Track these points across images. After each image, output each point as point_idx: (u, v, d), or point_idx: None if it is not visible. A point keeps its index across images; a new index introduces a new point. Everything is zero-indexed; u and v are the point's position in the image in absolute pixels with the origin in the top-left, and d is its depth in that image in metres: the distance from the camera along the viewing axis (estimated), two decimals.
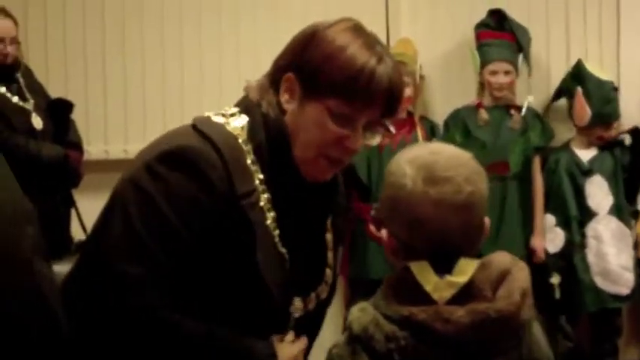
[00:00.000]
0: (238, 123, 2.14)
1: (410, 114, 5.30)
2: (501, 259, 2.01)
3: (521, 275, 1.98)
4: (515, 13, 5.46)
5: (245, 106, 2.18)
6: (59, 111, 4.89)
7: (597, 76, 5.44)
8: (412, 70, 5.29)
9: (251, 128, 2.13)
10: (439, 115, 5.55)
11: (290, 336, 2.23)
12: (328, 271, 2.33)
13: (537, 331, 2.03)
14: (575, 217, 5.34)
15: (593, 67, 5.48)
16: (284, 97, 2.13)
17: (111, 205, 2.09)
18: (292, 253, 2.17)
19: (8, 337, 1.59)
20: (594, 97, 5.38)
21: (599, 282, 5.26)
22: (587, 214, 5.34)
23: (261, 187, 2.11)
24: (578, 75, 5.47)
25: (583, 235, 5.33)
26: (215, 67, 5.43)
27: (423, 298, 1.92)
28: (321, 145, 2.09)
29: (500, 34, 5.41)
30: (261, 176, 2.11)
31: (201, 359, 2.09)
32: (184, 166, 2.02)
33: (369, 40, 2.08)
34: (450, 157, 1.99)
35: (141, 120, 5.49)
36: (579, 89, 5.42)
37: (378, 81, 2.04)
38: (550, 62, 5.68)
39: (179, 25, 5.54)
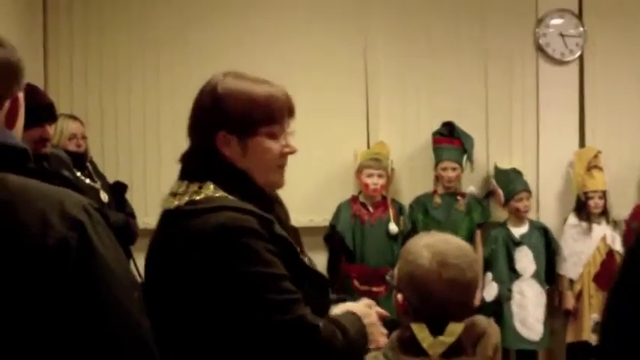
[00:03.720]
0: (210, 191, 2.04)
1: (384, 197, 5.37)
2: (480, 321, 2.07)
3: (494, 333, 2.07)
4: (462, 123, 5.56)
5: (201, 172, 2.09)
6: (119, 190, 4.93)
7: (502, 168, 5.66)
8: (386, 164, 5.37)
9: (215, 181, 2.05)
10: (406, 198, 5.62)
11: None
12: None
13: None
14: (506, 277, 5.43)
15: (501, 164, 5.68)
16: (226, 152, 2.05)
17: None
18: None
19: None
20: (501, 182, 5.58)
21: (519, 327, 5.35)
22: (515, 275, 5.44)
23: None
24: (495, 172, 5.67)
25: (510, 290, 5.41)
26: None
27: (421, 352, 1.99)
28: (275, 161, 2.08)
29: (450, 140, 5.51)
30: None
31: (349, 342, 2.01)
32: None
33: (254, 78, 2.11)
34: (457, 247, 2.06)
35: None
36: (493, 181, 5.64)
37: (280, 98, 2.08)
38: (488, 161, 5.77)
39: None
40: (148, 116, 5.56)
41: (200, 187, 2.05)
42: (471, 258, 2.06)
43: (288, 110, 2.11)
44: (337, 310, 2.13)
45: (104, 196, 4.78)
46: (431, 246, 2.04)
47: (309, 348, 1.94)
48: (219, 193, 2.02)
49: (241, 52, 5.49)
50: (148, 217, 5.34)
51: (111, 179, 4.93)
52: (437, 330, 2.01)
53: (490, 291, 5.38)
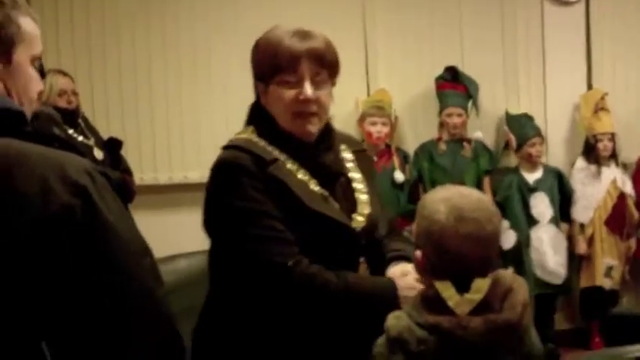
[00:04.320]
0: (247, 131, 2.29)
1: (388, 146, 5.25)
2: (506, 277, 1.97)
3: (521, 290, 1.96)
4: (466, 69, 5.43)
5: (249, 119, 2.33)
6: (113, 146, 4.81)
7: (514, 114, 5.54)
8: (388, 112, 5.24)
9: (253, 125, 2.28)
10: (410, 146, 5.51)
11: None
12: (361, 197, 2.32)
13: (533, 333, 2.00)
14: (523, 223, 5.33)
15: (512, 109, 5.57)
16: (262, 99, 2.26)
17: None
18: (329, 189, 2.23)
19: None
20: (513, 128, 5.45)
21: (539, 273, 5.29)
22: (532, 221, 5.34)
23: (282, 157, 2.19)
24: (506, 119, 5.55)
25: (528, 237, 5.31)
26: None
27: (446, 309, 1.88)
28: (288, 108, 2.18)
29: (454, 85, 5.38)
30: (277, 152, 2.20)
31: (342, 296, 2.12)
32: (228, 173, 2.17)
33: (295, 29, 2.20)
34: (475, 200, 1.95)
35: (180, 153, 5.38)
36: (506, 127, 5.50)
37: (286, 50, 2.16)
38: (493, 106, 5.63)
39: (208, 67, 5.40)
40: (139, 70, 5.38)
41: (244, 130, 2.29)
42: (489, 211, 1.94)
43: (309, 60, 2.17)
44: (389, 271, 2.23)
45: (98, 154, 4.68)
46: (447, 200, 1.93)
47: (275, 284, 2.10)
48: (246, 135, 2.25)
49: (234, 7, 5.35)
50: (143, 173, 5.24)
51: (104, 136, 4.80)
52: (462, 287, 1.90)
53: (508, 238, 5.27)
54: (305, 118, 2.20)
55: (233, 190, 2.13)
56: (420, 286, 2.10)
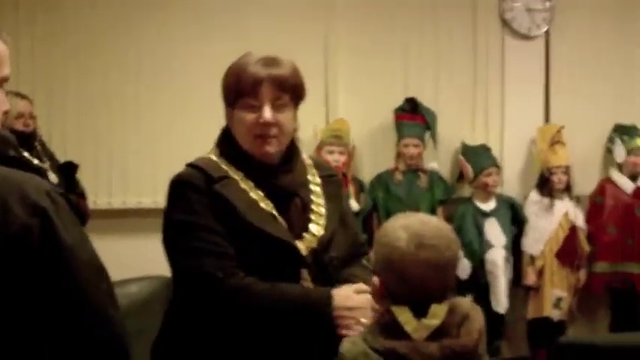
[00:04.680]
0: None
1: (344, 175, 5.25)
2: (463, 304, 2.00)
3: (478, 317, 1.98)
4: (426, 100, 5.48)
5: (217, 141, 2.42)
6: (69, 170, 4.78)
7: (470, 145, 5.60)
8: (346, 141, 5.27)
9: (217, 146, 2.38)
10: (367, 176, 5.54)
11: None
12: (317, 220, 2.36)
13: None
14: (478, 248, 5.36)
15: (469, 140, 5.63)
16: (228, 122, 2.37)
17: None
18: (282, 210, 2.30)
19: None
20: (470, 158, 5.49)
21: (491, 301, 5.31)
22: (486, 245, 5.37)
23: (238, 176, 2.29)
24: (462, 149, 5.58)
25: (483, 261, 5.35)
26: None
27: (402, 335, 1.90)
28: (249, 130, 2.27)
29: (412, 116, 5.42)
30: (232, 170, 2.29)
31: (274, 308, 2.19)
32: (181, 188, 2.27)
33: (253, 56, 2.31)
34: (434, 227, 1.97)
35: (135, 179, 5.36)
36: (461, 157, 5.54)
37: (249, 75, 2.25)
38: (447, 135, 5.66)
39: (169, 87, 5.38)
40: (98, 95, 5.36)
41: (209, 151, 2.39)
42: (448, 237, 1.97)
43: (270, 85, 2.26)
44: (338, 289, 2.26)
45: (53, 177, 4.63)
46: (407, 227, 1.95)
47: (206, 296, 2.19)
48: (208, 155, 2.36)
49: (197, 35, 5.38)
50: (97, 197, 5.21)
51: (60, 159, 4.77)
52: (419, 313, 1.92)
53: (463, 268, 5.29)
54: (264, 139, 2.27)
55: (178, 204, 2.24)
56: (360, 299, 2.18)
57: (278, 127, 2.26)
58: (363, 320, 2.15)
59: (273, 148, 2.29)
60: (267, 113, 2.23)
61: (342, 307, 2.19)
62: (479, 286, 5.29)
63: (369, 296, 2.18)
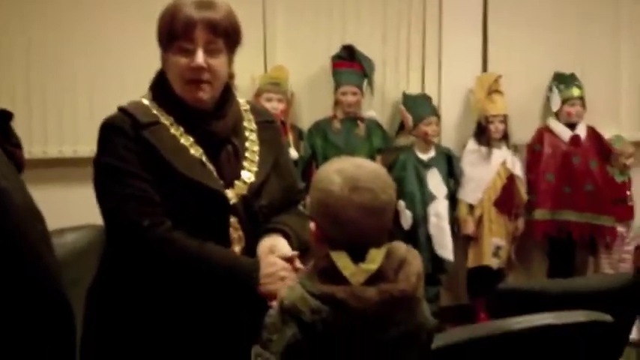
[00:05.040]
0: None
1: (283, 122, 5.19)
2: (400, 248, 1.99)
3: (415, 262, 1.99)
4: (364, 49, 5.42)
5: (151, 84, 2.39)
6: (2, 119, 4.65)
7: (410, 94, 5.57)
8: (284, 89, 5.20)
9: (150, 90, 2.36)
10: (306, 123, 5.49)
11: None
12: (249, 166, 2.35)
13: (425, 305, 2.03)
14: (420, 200, 5.37)
15: (404, 88, 5.61)
16: (163, 65, 2.32)
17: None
18: (213, 156, 2.28)
19: (21, 322, 1.48)
20: (410, 107, 5.47)
21: (438, 249, 5.34)
22: (429, 198, 5.39)
23: (169, 121, 2.27)
24: (403, 98, 5.56)
25: (426, 214, 5.37)
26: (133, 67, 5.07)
27: (341, 279, 1.89)
28: (181, 75, 2.23)
29: (350, 64, 5.37)
30: (164, 116, 2.27)
31: (199, 268, 2.18)
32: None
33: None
34: (370, 171, 1.96)
35: (71, 127, 5.21)
36: (402, 106, 5.51)
37: (182, 18, 2.20)
38: (386, 85, 5.65)
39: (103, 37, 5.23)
40: (30, 41, 5.17)
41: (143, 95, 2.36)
42: (384, 181, 1.96)
43: (204, 29, 2.21)
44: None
45: None
46: (342, 171, 1.94)
47: (129, 242, 2.19)
48: (140, 99, 2.34)
49: None
50: (32, 147, 5.09)
51: None
52: (357, 257, 1.91)
53: (405, 218, 5.30)
54: (196, 85, 2.25)
55: (106, 149, 2.23)
56: (284, 265, 2.20)
57: (211, 72, 2.24)
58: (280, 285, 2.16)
59: (205, 94, 2.26)
60: (200, 58, 2.20)
61: (267, 275, 2.20)
62: (421, 236, 5.32)
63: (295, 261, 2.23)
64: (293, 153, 5.12)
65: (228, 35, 2.26)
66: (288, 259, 2.24)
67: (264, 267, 2.20)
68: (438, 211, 5.38)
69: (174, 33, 2.22)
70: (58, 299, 1.52)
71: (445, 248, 5.37)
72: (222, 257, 2.21)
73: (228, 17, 2.26)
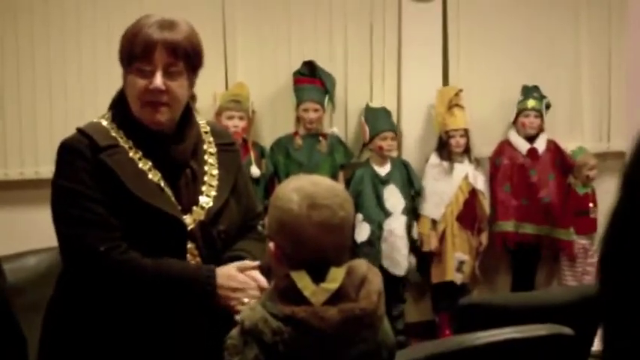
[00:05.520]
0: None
1: (244, 140, 5.19)
2: (361, 266, 1.98)
3: (376, 280, 1.98)
4: (323, 64, 5.44)
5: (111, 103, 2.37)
6: None
7: (372, 107, 5.56)
8: (246, 106, 5.19)
9: (110, 110, 2.33)
10: (267, 140, 5.48)
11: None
12: (208, 191, 2.34)
13: (387, 323, 2.03)
14: (376, 215, 5.36)
15: (363, 103, 5.61)
16: (123, 84, 2.29)
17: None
18: (172, 181, 2.27)
19: None
20: (369, 120, 5.47)
21: (386, 264, 5.30)
22: (385, 213, 5.38)
23: (128, 144, 2.24)
24: (365, 112, 5.56)
25: (382, 229, 5.36)
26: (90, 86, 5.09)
27: (302, 299, 1.87)
28: (139, 97, 2.21)
29: (311, 80, 5.37)
30: (123, 138, 2.25)
31: (156, 284, 2.17)
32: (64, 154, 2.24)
33: (151, 18, 2.24)
34: (327, 188, 1.96)
35: (32, 148, 5.15)
36: (362, 119, 5.52)
37: (142, 39, 2.19)
38: (348, 101, 5.66)
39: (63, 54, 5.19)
40: None
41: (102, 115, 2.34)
42: (341, 197, 1.95)
43: (164, 51, 2.19)
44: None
45: None
46: (299, 189, 1.93)
47: (87, 268, 2.18)
48: (98, 119, 2.30)
49: None
50: None
51: None
52: (317, 276, 1.90)
53: (362, 232, 5.30)
54: (154, 107, 2.22)
55: (63, 171, 2.22)
56: (243, 278, 2.21)
57: (169, 94, 2.21)
58: (246, 300, 2.16)
59: (163, 117, 2.24)
60: (158, 80, 2.18)
61: (224, 287, 2.21)
62: (375, 253, 5.31)
63: (255, 273, 2.24)
64: (255, 170, 5.12)
65: (188, 57, 2.24)
66: (250, 273, 2.26)
67: (224, 280, 2.21)
68: (393, 227, 5.37)
69: (133, 54, 2.20)
70: (9, 325, 1.50)
71: (397, 265, 5.37)
72: (177, 266, 2.21)
73: (189, 39, 2.24)
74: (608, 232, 1.33)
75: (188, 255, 2.25)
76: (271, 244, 1.98)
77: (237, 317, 1.92)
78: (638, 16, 5.50)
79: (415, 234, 5.51)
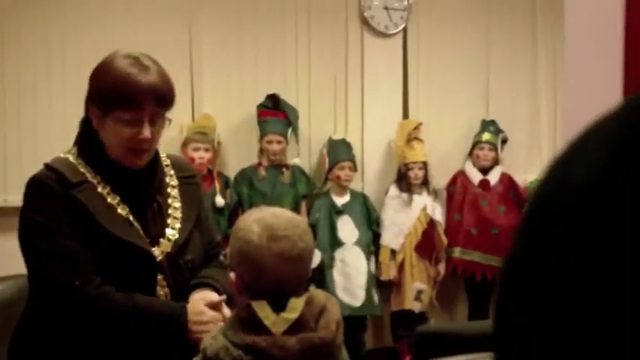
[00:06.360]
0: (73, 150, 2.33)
1: (210, 171, 5.24)
2: (320, 296, 2.03)
3: (335, 309, 2.03)
4: (288, 96, 5.51)
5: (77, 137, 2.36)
6: None
7: (334, 139, 5.65)
8: (212, 138, 5.24)
9: (75, 146, 2.32)
10: (231, 171, 5.52)
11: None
12: (173, 223, 2.37)
13: (344, 352, 2.07)
14: (328, 245, 5.41)
15: (336, 135, 5.69)
16: (94, 123, 2.25)
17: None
18: (139, 214, 2.29)
19: None
20: (329, 151, 5.57)
21: (341, 295, 5.31)
22: (337, 243, 5.43)
23: (96, 180, 2.25)
24: (327, 143, 5.65)
25: (332, 258, 5.40)
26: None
27: (262, 329, 1.92)
28: (124, 144, 2.21)
29: (275, 113, 5.44)
30: (91, 174, 2.26)
31: (128, 318, 2.19)
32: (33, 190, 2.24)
33: (135, 60, 2.20)
34: (287, 219, 2.00)
35: (1, 176, 5.16)
36: (324, 150, 5.61)
37: (140, 85, 2.16)
38: (312, 133, 5.73)
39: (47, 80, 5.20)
40: None
41: (69, 150, 2.33)
42: (301, 229, 2.00)
43: (155, 100, 2.18)
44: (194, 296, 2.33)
45: None
46: (260, 220, 1.98)
47: (60, 303, 2.19)
48: (65, 155, 2.30)
49: (57, 27, 5.20)
50: None
51: None
52: (277, 306, 1.95)
53: (314, 258, 5.31)
54: (137, 153, 2.25)
55: (33, 205, 2.22)
56: (212, 313, 2.25)
57: (152, 140, 2.24)
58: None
59: (144, 161, 2.29)
60: (147, 131, 2.19)
61: (195, 322, 2.25)
62: (324, 281, 5.33)
63: (224, 308, 2.29)
64: (220, 200, 5.15)
65: (169, 104, 2.27)
66: (216, 307, 2.29)
67: (193, 315, 2.25)
68: (344, 256, 5.41)
69: (118, 103, 2.17)
70: None
71: (353, 295, 5.39)
72: (150, 302, 2.24)
73: (168, 84, 2.25)
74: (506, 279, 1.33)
75: (157, 286, 2.29)
76: (232, 275, 2.02)
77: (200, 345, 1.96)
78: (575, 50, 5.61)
79: (372, 267, 5.55)
